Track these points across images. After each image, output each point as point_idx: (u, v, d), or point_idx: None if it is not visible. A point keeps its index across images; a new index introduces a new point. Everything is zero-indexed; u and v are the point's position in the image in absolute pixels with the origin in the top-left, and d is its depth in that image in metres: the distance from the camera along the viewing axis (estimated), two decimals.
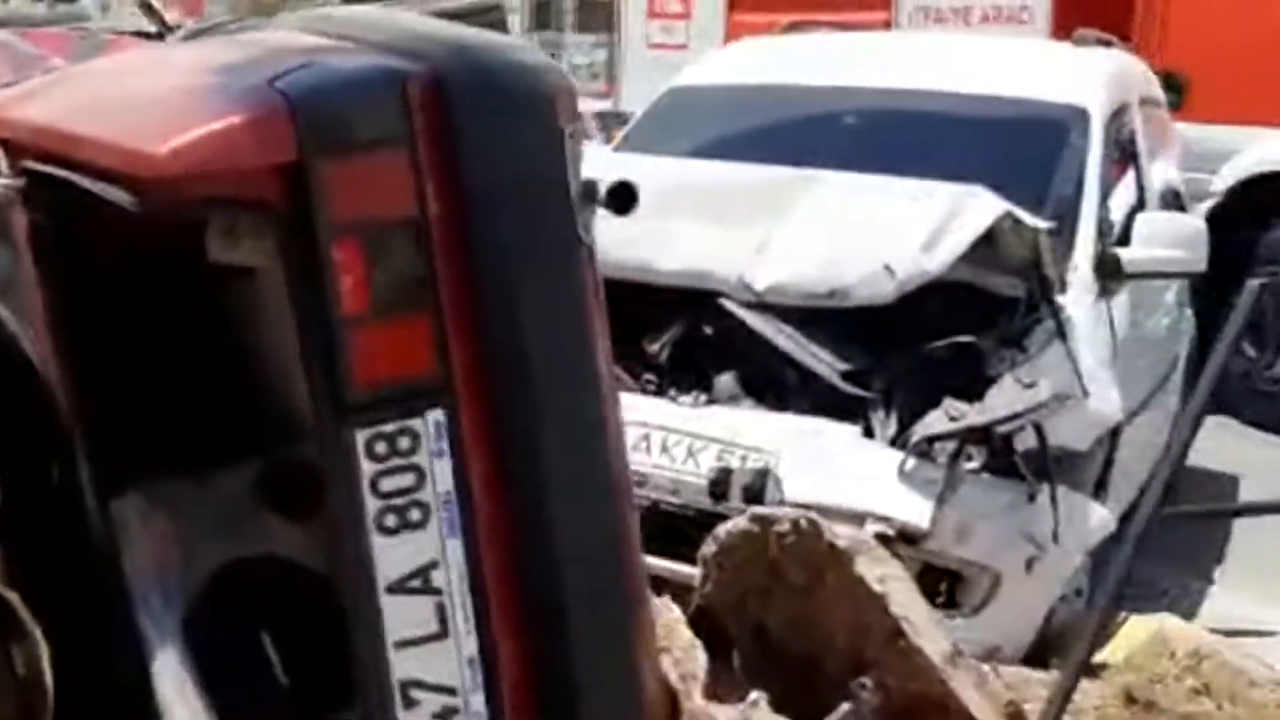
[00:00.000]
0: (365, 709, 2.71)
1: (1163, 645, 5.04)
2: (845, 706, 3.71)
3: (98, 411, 3.07)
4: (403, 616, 2.67)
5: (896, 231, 5.13)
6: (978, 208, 5.15)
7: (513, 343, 2.69)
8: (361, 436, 2.61)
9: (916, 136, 6.33)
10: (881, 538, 4.82)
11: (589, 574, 2.79)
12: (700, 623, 3.99)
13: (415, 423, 2.64)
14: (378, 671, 2.68)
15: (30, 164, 2.87)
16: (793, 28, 8.27)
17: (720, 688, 3.98)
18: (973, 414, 4.86)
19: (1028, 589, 5.01)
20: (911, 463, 4.85)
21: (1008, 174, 6.08)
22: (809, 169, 5.68)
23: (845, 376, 5.18)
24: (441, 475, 2.67)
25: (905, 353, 5.17)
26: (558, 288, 2.74)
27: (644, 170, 5.87)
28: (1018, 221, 5.17)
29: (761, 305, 5.28)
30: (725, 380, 5.31)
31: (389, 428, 2.63)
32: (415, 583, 2.68)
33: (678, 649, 3.96)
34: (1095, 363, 5.46)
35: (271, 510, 3.09)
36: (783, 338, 5.22)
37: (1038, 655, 5.17)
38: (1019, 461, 4.93)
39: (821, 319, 5.27)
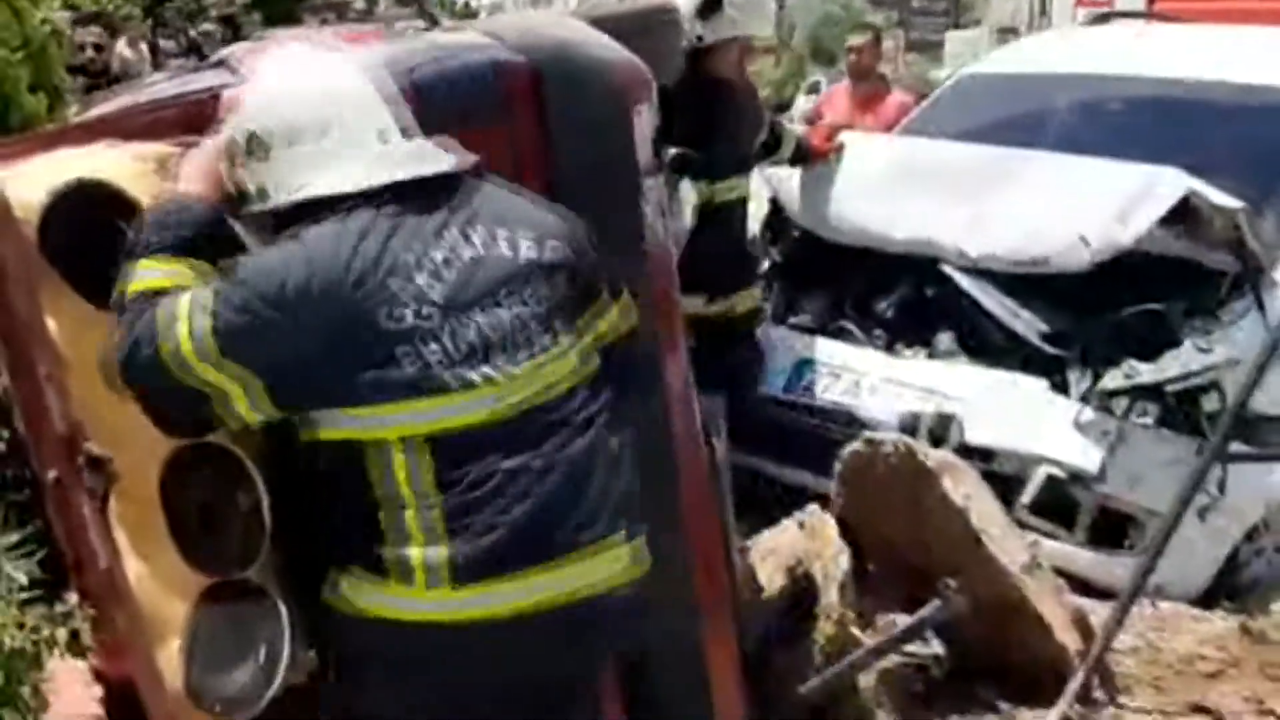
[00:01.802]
0: None
1: None
2: (934, 604, 4.34)
3: None
4: None
5: (1093, 206, 5.62)
6: (1166, 185, 5.59)
7: None
8: None
9: (1172, 122, 6.71)
10: (1054, 480, 5.40)
11: (652, 452, 3.52)
12: (844, 533, 4.66)
13: None
14: None
15: None
16: (1101, 20, 8.68)
17: (864, 591, 4.66)
18: (1146, 373, 5.37)
19: (1200, 536, 5.45)
20: (1088, 414, 5.39)
21: (1249, 158, 6.46)
22: (1033, 150, 6.23)
23: (1045, 337, 5.74)
24: None
25: (1102, 317, 5.68)
26: (625, 233, 3.50)
27: (884, 151, 6.57)
28: (1202, 197, 5.58)
29: (976, 271, 5.88)
30: (944, 337, 5.95)
31: None
32: None
33: (827, 554, 4.65)
34: None
35: None
36: (991, 300, 5.82)
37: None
38: (1200, 417, 5.38)
39: (1032, 284, 5.82)
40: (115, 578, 3.58)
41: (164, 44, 6.91)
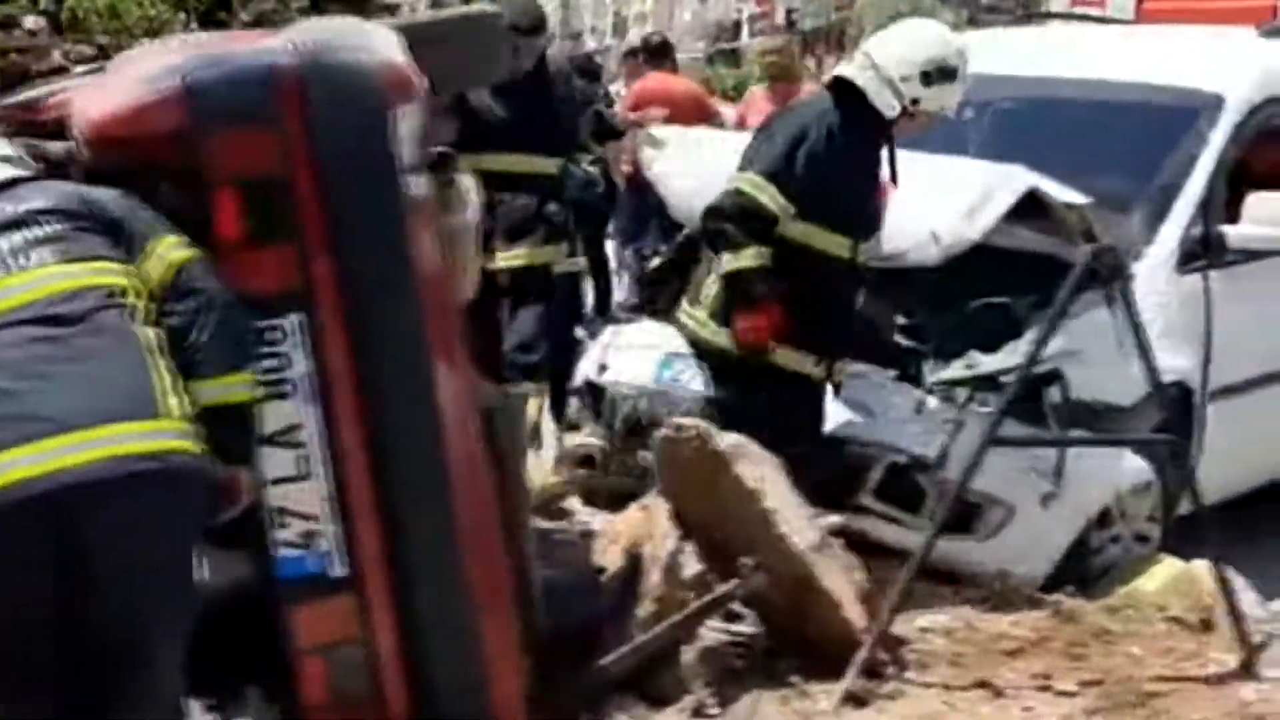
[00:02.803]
0: (256, 528, 3.76)
1: (1190, 584, 5.55)
2: (733, 583, 4.54)
3: None
4: (275, 462, 3.72)
5: (945, 203, 5.78)
6: (1010, 182, 5.75)
7: (354, 265, 3.70)
8: None
9: (1055, 120, 6.87)
10: (897, 466, 5.59)
11: (417, 435, 3.77)
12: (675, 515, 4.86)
13: (282, 321, 3.69)
14: (260, 501, 3.73)
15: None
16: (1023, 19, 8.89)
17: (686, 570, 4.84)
18: (985, 364, 5.55)
19: (1042, 523, 5.62)
20: (931, 403, 5.57)
21: (1127, 155, 6.65)
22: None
23: (901, 330, 5.92)
24: (301, 360, 3.71)
25: (955, 310, 5.87)
26: (386, 227, 3.72)
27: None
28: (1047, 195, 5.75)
29: None
30: None
31: (261, 324, 3.68)
32: (284, 438, 3.72)
33: (657, 536, 4.86)
34: (1158, 330, 5.95)
35: None
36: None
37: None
38: (1045, 407, 5.56)
39: (900, 279, 5.98)
40: None
41: None
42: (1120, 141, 6.75)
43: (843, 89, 5.66)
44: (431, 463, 3.79)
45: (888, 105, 5.56)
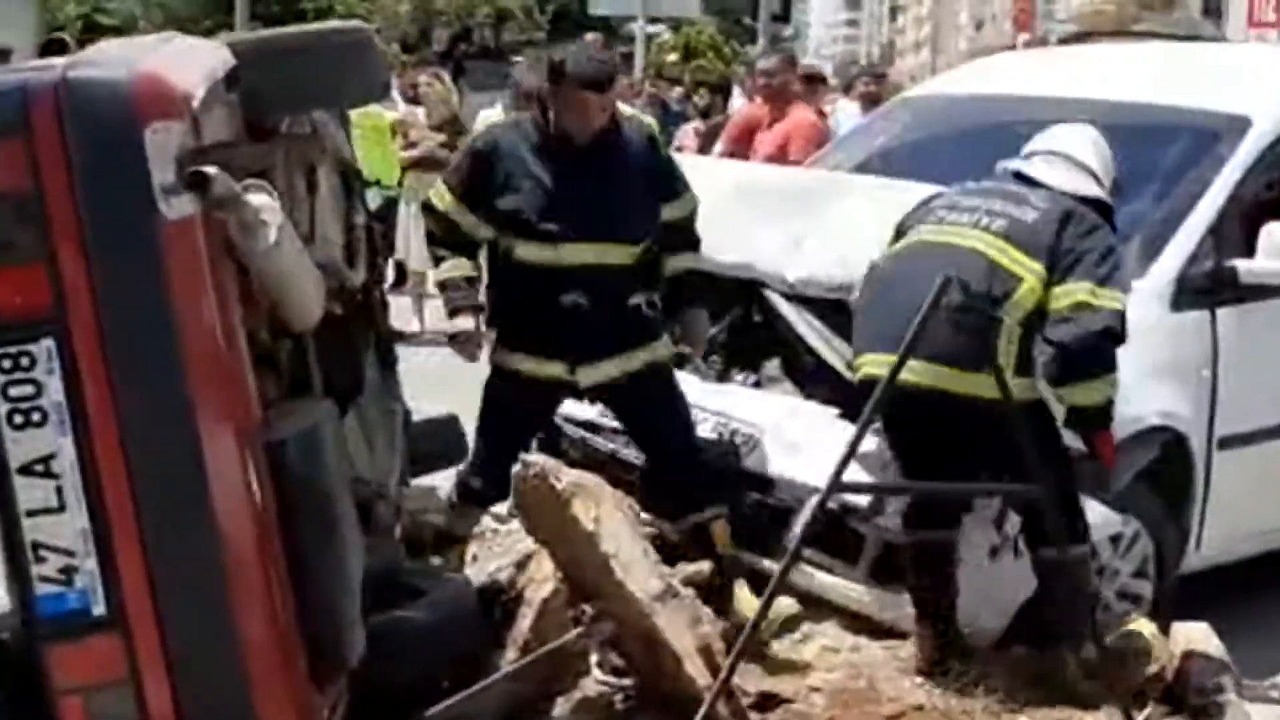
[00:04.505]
0: (11, 564, 3.60)
1: (1159, 648, 5.12)
2: (575, 632, 4.24)
3: None
4: (30, 494, 3.55)
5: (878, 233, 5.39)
6: None
7: (108, 287, 3.52)
8: None
9: None
10: (830, 512, 5.22)
11: (173, 466, 3.57)
12: None
13: (32, 347, 3.52)
14: (14, 534, 3.57)
15: None
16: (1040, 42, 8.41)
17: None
18: None
19: (990, 576, 5.20)
20: (868, 445, 5.17)
21: (1138, 182, 6.18)
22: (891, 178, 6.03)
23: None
24: (54, 388, 3.53)
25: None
26: (140, 247, 3.53)
27: (719, 174, 6.48)
28: None
29: (796, 296, 5.71)
30: (772, 363, 5.80)
31: (11, 349, 3.52)
32: (39, 468, 3.55)
33: (538, 578, 4.60)
34: (1142, 371, 5.49)
35: None
36: (806, 327, 5.64)
37: None
38: None
39: (838, 307, 5.60)
40: None
41: None
42: (1135, 167, 6.28)
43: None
44: (190, 496, 3.58)
45: None
